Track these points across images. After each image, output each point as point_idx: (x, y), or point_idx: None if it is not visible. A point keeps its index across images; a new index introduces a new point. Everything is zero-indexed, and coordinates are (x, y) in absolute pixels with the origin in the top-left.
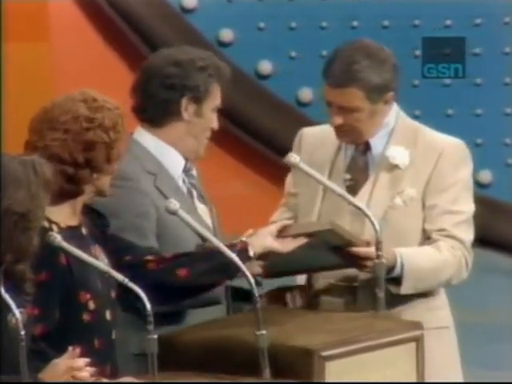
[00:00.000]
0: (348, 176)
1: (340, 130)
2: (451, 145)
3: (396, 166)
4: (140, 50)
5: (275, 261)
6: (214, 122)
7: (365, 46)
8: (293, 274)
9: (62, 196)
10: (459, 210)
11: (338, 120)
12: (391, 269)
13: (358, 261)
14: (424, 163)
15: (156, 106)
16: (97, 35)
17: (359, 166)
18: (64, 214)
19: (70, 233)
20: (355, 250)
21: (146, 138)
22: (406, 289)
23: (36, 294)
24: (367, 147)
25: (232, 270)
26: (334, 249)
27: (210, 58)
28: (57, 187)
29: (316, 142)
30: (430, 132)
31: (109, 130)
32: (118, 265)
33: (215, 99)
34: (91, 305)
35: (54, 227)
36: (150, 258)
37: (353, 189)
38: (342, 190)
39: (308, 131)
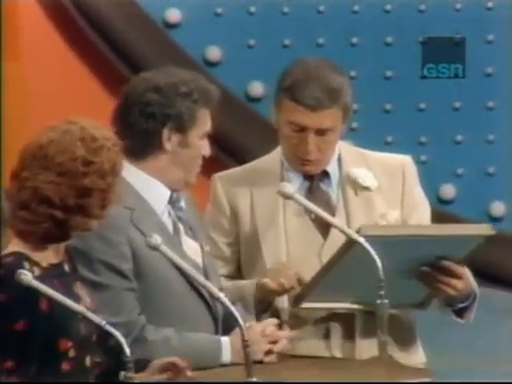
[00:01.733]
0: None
1: (308, 159)
2: (407, 161)
3: (366, 188)
4: (119, 69)
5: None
6: (203, 148)
7: (331, 64)
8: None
9: (47, 240)
10: None
11: (313, 146)
12: (464, 298)
13: (448, 279)
14: (390, 184)
15: (135, 137)
16: (73, 53)
17: (320, 196)
18: (46, 254)
19: (53, 271)
20: (452, 265)
21: (127, 169)
22: (471, 318)
23: (10, 345)
24: (325, 175)
25: None
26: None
27: (196, 80)
28: (43, 231)
29: (243, 186)
30: (373, 153)
31: (106, 174)
32: None
33: (203, 126)
34: (71, 353)
35: (36, 269)
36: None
37: (320, 222)
38: (342, 224)
39: (227, 176)
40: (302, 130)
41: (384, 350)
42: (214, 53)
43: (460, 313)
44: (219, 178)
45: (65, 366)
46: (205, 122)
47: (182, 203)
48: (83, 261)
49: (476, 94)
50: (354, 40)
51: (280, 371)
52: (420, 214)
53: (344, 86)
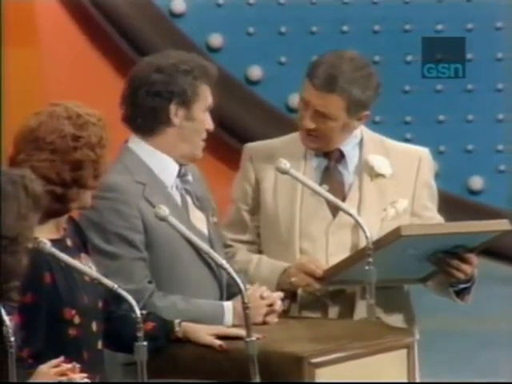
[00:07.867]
0: (326, 187)
1: (309, 135)
2: (424, 152)
3: (380, 175)
4: (128, 55)
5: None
6: (207, 123)
7: (355, 59)
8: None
9: (48, 215)
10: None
11: (310, 124)
12: (468, 279)
13: (459, 264)
14: (404, 172)
15: (145, 115)
16: (84, 40)
17: (335, 177)
18: (47, 229)
19: (54, 246)
20: (466, 252)
21: (139, 146)
22: (470, 299)
23: (22, 317)
24: (341, 157)
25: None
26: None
27: (194, 59)
28: (45, 206)
29: (270, 158)
30: (393, 142)
31: (95, 146)
32: None
33: (205, 100)
34: (76, 319)
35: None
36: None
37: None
38: (336, 200)
39: (257, 147)
40: (307, 106)
41: (372, 312)
42: (215, 40)
43: (460, 295)
44: (250, 148)
45: (71, 332)
46: (206, 97)
47: (190, 177)
48: (98, 232)
49: (457, 78)
50: (344, 28)
51: (276, 325)
52: (432, 212)
53: (354, 80)
